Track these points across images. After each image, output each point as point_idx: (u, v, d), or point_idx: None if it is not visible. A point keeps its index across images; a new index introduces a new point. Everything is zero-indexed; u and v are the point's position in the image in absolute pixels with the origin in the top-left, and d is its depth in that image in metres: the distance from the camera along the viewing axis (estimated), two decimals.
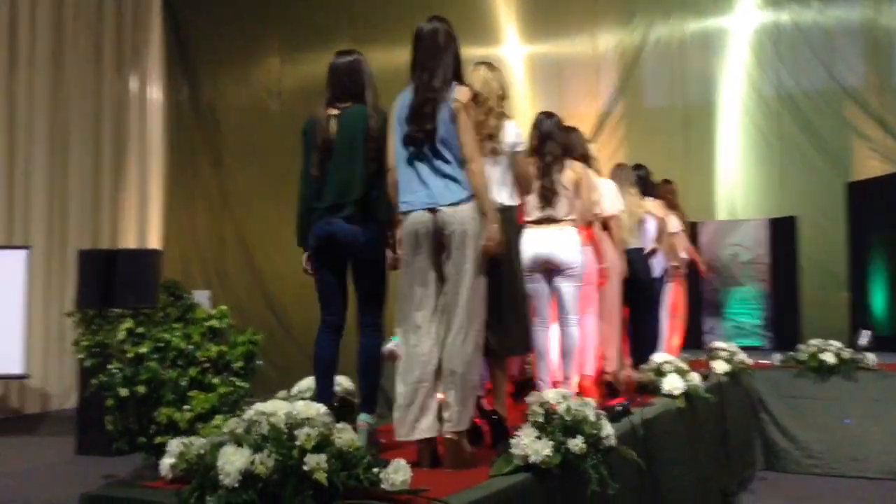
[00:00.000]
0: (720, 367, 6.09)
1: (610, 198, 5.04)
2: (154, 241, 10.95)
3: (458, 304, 2.91)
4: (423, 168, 2.98)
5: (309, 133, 3.36)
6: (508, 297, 3.35)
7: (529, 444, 2.71)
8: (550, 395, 2.97)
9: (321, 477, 2.21)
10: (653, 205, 6.02)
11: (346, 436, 2.34)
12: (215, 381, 5.64)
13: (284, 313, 10.88)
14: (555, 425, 2.87)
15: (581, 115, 11.08)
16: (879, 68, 9.55)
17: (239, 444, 2.29)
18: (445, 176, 2.95)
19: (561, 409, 2.91)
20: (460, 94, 3.01)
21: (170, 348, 5.67)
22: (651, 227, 5.85)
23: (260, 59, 11.51)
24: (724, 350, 6.36)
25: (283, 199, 11.51)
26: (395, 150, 3.07)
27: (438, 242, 2.95)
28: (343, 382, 3.61)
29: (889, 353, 7.30)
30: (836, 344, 6.59)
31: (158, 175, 11.35)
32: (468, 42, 11.50)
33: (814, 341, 6.74)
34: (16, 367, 7.34)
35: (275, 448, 2.25)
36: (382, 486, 2.27)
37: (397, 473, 2.29)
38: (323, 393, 3.27)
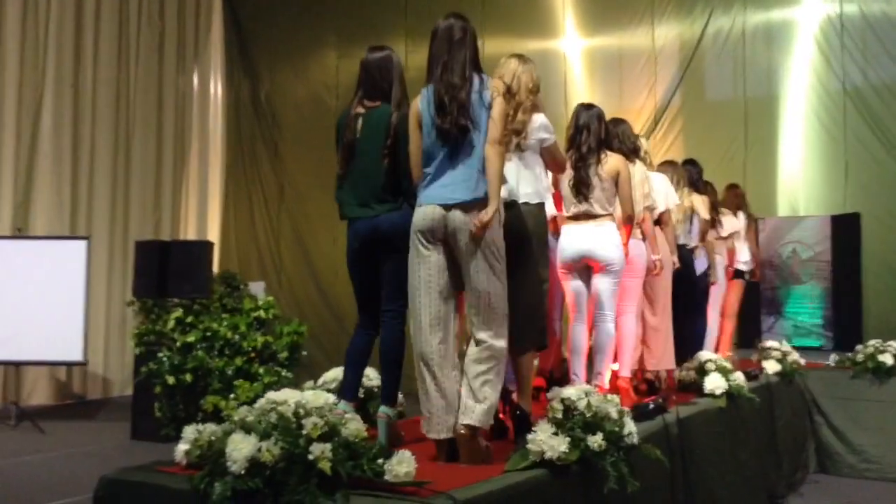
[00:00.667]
0: (771, 366, 5.93)
1: (662, 192, 4.95)
2: (213, 234, 11.19)
3: (479, 302, 2.92)
4: (445, 162, 2.99)
5: (340, 129, 3.40)
6: (528, 294, 3.32)
7: (546, 440, 2.68)
8: (571, 391, 2.93)
9: (325, 466, 2.23)
10: (699, 202, 5.87)
11: (353, 426, 2.35)
12: (261, 370, 5.76)
13: (338, 305, 11.00)
14: (574, 421, 2.83)
15: (640, 109, 10.92)
16: None
17: (247, 431, 2.33)
18: (465, 171, 2.95)
19: (581, 405, 2.86)
20: (493, 85, 3.04)
21: (217, 338, 5.80)
22: (696, 224, 5.71)
23: (317, 53, 11.64)
24: (776, 349, 6.18)
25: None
26: (420, 146, 3.07)
27: (446, 239, 2.96)
28: (371, 374, 3.62)
29: None
30: (895, 345, 6.34)
31: (218, 169, 11.60)
32: (527, 35, 11.50)
33: (872, 342, 6.51)
34: (76, 354, 7.58)
35: (282, 436, 2.28)
36: (386, 477, 2.28)
37: (401, 465, 2.29)
38: (350, 384, 3.29)
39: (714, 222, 6.25)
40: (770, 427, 5.47)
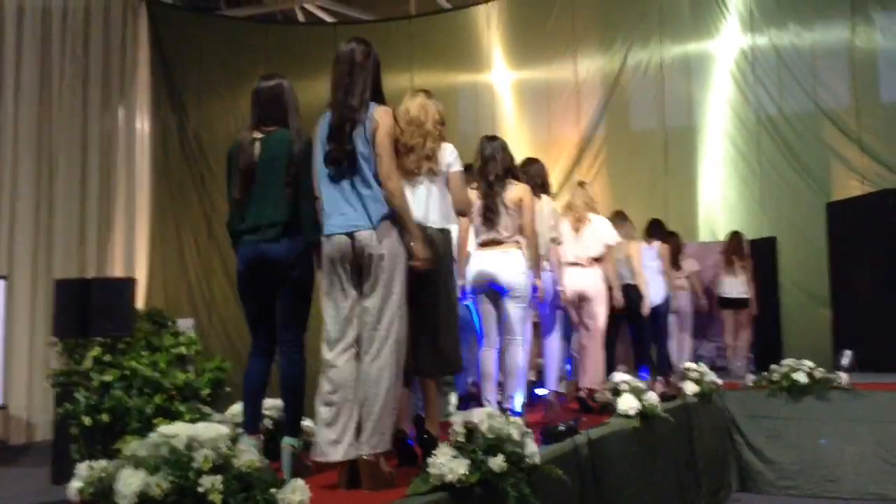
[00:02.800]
0: (689, 387, 6.07)
1: (604, 234, 5.44)
2: (141, 271, 11.00)
3: (377, 327, 2.94)
4: (343, 189, 3.00)
5: (234, 156, 3.35)
6: (440, 318, 3.38)
7: (446, 463, 2.71)
8: (473, 413, 2.97)
9: (217, 499, 2.21)
10: (635, 250, 6.26)
11: (246, 457, 2.35)
12: (182, 408, 5.65)
13: None
14: (476, 444, 2.86)
15: (566, 139, 11.19)
16: (857, 90, 9.58)
17: (138, 466, 2.30)
18: (365, 197, 2.96)
19: (483, 427, 2.91)
20: (378, 112, 3.02)
21: (136, 376, 5.69)
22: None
23: (246, 88, 11.37)
24: (694, 370, 6.33)
25: None
26: (318, 172, 3.08)
27: (357, 265, 2.98)
28: (278, 405, 3.60)
29: (871, 372, 7.27)
30: (809, 363, 6.57)
31: (146, 205, 11.43)
32: (456, 68, 11.65)
33: (787, 361, 6.73)
34: None
35: (172, 470, 2.26)
36: None
37: (294, 494, 2.29)
38: (250, 417, 3.27)
39: (676, 265, 7.74)
40: (689, 447, 5.59)
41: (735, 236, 8.72)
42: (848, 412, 6.32)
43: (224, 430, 2.41)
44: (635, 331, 6.11)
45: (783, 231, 9.20)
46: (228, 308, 11.03)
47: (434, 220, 3.50)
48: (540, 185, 4.99)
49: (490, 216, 4.25)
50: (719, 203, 10.16)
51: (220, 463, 2.32)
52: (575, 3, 10.92)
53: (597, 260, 5.39)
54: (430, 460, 2.74)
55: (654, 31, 10.59)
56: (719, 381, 6.55)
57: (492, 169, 4.31)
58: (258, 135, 3.33)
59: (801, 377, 6.41)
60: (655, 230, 7.46)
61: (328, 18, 12.87)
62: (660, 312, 6.51)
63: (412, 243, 2.99)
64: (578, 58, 10.98)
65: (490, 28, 11.47)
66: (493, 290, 4.27)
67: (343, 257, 2.97)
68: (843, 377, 6.51)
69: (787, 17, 9.93)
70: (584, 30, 10.93)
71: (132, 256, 11.05)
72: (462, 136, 12.03)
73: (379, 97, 3.10)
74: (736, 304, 8.39)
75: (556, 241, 5.03)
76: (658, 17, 10.58)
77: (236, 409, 3.58)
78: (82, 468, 2.51)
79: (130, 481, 2.23)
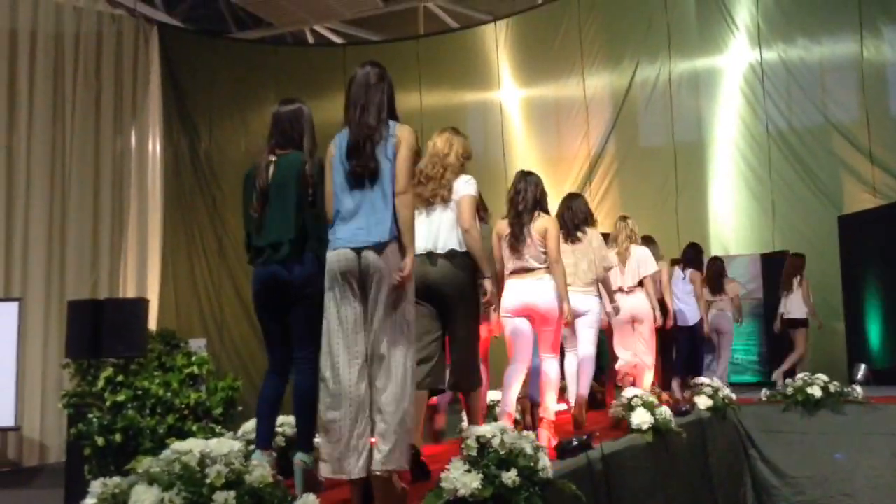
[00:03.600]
0: (703, 402, 6.03)
1: (644, 260, 6.12)
2: (153, 292, 11.05)
3: (386, 344, 2.93)
4: (357, 205, 3.04)
5: (250, 177, 3.44)
6: (472, 336, 3.64)
7: (459, 478, 2.71)
8: (486, 428, 2.96)
9: None
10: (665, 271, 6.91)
11: (258, 473, 2.35)
12: (194, 427, 5.67)
13: None
14: (489, 458, 2.86)
15: (575, 155, 11.21)
16: (867, 103, 9.56)
17: (151, 482, 2.31)
18: (377, 214, 3.00)
19: (496, 442, 2.90)
20: (401, 130, 3.09)
21: (148, 396, 5.71)
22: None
23: (256, 110, 11.72)
24: (707, 385, 6.29)
25: None
26: (333, 190, 3.12)
27: (362, 281, 2.98)
28: (290, 422, 3.61)
29: (886, 385, 7.22)
30: (823, 377, 6.51)
31: (158, 226, 11.49)
32: (464, 87, 11.75)
33: (800, 375, 6.68)
34: (7, 420, 7.37)
35: (185, 486, 2.27)
36: None
37: None
38: (263, 434, 3.28)
39: (720, 289, 7.95)
40: (703, 462, 5.55)
41: (798, 258, 8.51)
42: (863, 425, 6.25)
43: (237, 445, 2.42)
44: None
45: (795, 245, 9.12)
46: (240, 328, 11.07)
47: (453, 244, 3.69)
48: (583, 220, 5.39)
49: (516, 244, 4.44)
50: (730, 218, 10.14)
51: (232, 479, 2.33)
52: (582, 20, 10.96)
53: (639, 284, 6.08)
54: (443, 475, 2.74)
55: (662, 46, 10.61)
56: (733, 396, 6.51)
57: (521, 200, 4.51)
58: (272, 157, 3.42)
59: (816, 391, 6.36)
60: (689, 256, 7.80)
61: (337, 40, 12.99)
62: (694, 333, 7.26)
63: (405, 258, 2.99)
64: (587, 74, 11.02)
65: (498, 47, 11.54)
66: (530, 314, 4.41)
67: (349, 272, 2.97)
68: (858, 390, 6.46)
69: (795, 31, 9.94)
70: (592, 47, 10.96)
71: (144, 278, 11.10)
72: (473, 155, 12.10)
73: (394, 117, 3.17)
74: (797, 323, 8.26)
75: (607, 269, 5.48)
76: (666, 33, 10.60)
77: (249, 426, 3.59)
78: (96, 485, 2.51)
79: (144, 497, 2.25)
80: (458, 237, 3.69)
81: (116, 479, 2.47)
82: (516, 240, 4.43)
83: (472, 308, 3.76)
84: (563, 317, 4.38)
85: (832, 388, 6.38)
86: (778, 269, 9.06)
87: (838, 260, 8.81)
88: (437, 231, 3.69)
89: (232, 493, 2.25)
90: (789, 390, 6.53)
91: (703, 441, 5.63)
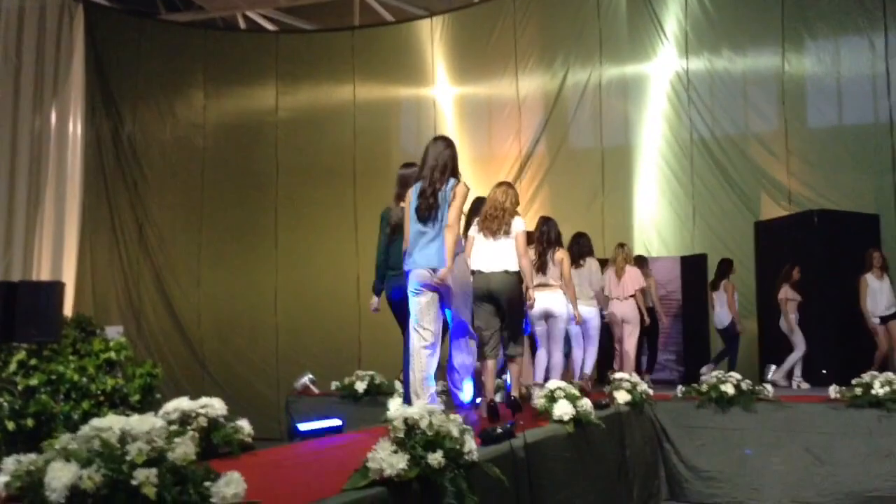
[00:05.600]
0: (621, 397, 6.18)
1: (636, 278, 7.85)
2: (69, 276, 10.68)
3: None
4: (424, 235, 4.49)
5: (385, 219, 5.15)
6: (516, 324, 5.44)
7: (385, 458, 2.71)
8: (413, 410, 2.98)
9: (150, 491, 2.17)
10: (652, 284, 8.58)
11: (180, 450, 2.31)
12: (110, 414, 5.49)
13: (199, 347, 10.72)
14: (416, 440, 2.87)
15: (506, 154, 11.32)
16: (786, 114, 9.94)
17: (69, 459, 2.24)
18: (436, 242, 4.45)
19: (423, 424, 2.92)
20: (457, 185, 4.52)
21: (63, 381, 5.51)
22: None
23: (184, 94, 11.47)
24: (626, 381, 6.45)
25: (203, 233, 11.50)
26: (410, 225, 4.58)
27: (435, 288, 4.48)
28: (217, 405, 3.54)
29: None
30: (737, 375, 6.74)
31: (76, 209, 11.13)
32: (398, 82, 11.75)
33: (714, 373, 6.90)
34: None
35: (104, 463, 2.21)
36: (213, 500, 2.24)
37: (229, 487, 2.26)
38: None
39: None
40: (620, 454, 5.68)
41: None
42: (773, 423, 6.49)
43: (158, 423, 2.37)
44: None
45: (714, 248, 9.45)
46: (158, 317, 10.81)
47: (509, 265, 5.27)
48: (588, 252, 7.44)
49: (542, 268, 6.31)
50: (653, 220, 10.41)
51: (154, 456, 2.28)
52: (517, 21, 11.08)
53: (631, 296, 7.76)
54: (369, 455, 2.74)
55: (593, 51, 10.81)
56: (651, 392, 6.69)
57: (545, 239, 6.47)
58: (402, 204, 4.88)
59: (729, 389, 6.57)
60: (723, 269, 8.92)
61: (270, 27, 12.80)
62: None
63: (444, 268, 4.41)
64: (520, 75, 11.14)
65: (433, 43, 11.56)
66: (546, 317, 6.29)
67: (425, 282, 4.45)
68: (769, 389, 6.71)
69: (721, 42, 10.26)
70: (526, 48, 11.09)
71: (60, 261, 10.75)
72: (403, 150, 12.09)
73: (456, 174, 4.60)
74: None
75: (604, 290, 7.75)
76: (597, 39, 10.81)
77: (170, 406, 3.52)
78: (9, 462, 2.42)
79: (61, 474, 2.18)
80: (513, 259, 5.26)
81: (32, 456, 2.39)
82: (543, 265, 6.29)
83: (518, 308, 5.40)
84: (577, 318, 6.51)
85: (744, 387, 6.61)
86: (696, 271, 9.37)
87: (754, 264, 9.15)
88: (499, 254, 5.27)
89: (153, 471, 2.20)
90: (704, 387, 6.74)
91: (621, 434, 5.77)
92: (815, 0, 9.74)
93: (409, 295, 4.48)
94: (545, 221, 6.58)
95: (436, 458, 2.82)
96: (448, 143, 4.64)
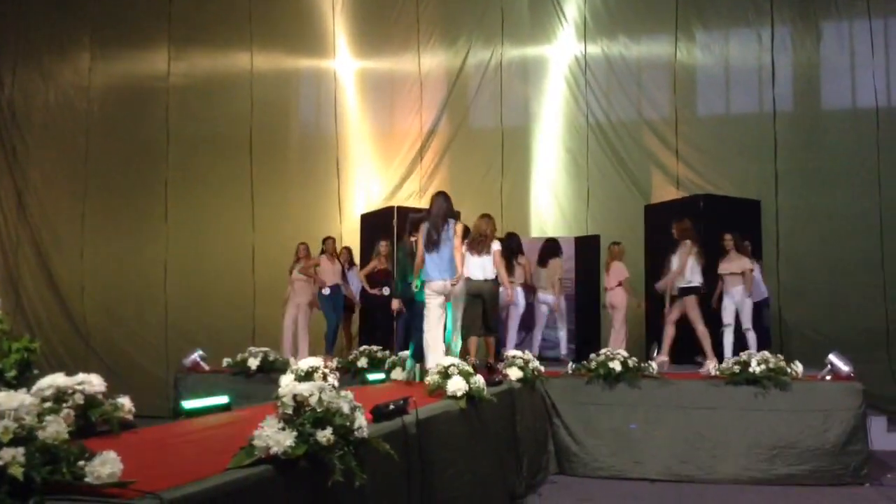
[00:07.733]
0: (514, 373, 6.28)
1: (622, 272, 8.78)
2: None
3: (457, 318, 6.47)
4: (438, 257, 6.26)
5: (402, 250, 7.17)
6: (488, 314, 6.86)
7: (272, 435, 2.64)
8: (304, 387, 2.92)
9: (17, 472, 2.04)
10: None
11: (52, 428, 2.19)
12: None
13: (83, 322, 10.26)
14: (305, 417, 2.82)
15: (407, 131, 11.25)
16: (677, 102, 10.29)
17: None
18: (447, 262, 6.25)
19: (313, 400, 2.87)
20: (455, 225, 6.37)
21: None
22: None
23: (68, 54, 10.88)
24: (519, 358, 6.56)
25: (87, 203, 10.97)
26: (422, 250, 6.34)
27: (448, 293, 6.30)
28: (95, 381, 3.40)
29: (680, 364, 7.83)
30: (623, 353, 6.96)
31: None
32: (298, 53, 11.47)
33: (604, 350, 7.10)
34: None
35: None
36: (87, 479, 2.14)
37: (104, 466, 2.16)
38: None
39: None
40: (511, 430, 5.78)
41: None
42: (657, 398, 6.76)
43: (28, 399, 2.23)
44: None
45: (606, 229, 9.70)
46: (38, 287, 10.29)
47: (489, 274, 6.81)
48: (518, 249, 8.82)
49: (510, 270, 8.02)
50: (550, 201, 10.60)
51: (22, 434, 2.15)
52: None
53: (619, 285, 8.71)
54: (255, 432, 2.67)
55: (495, 32, 10.86)
56: (542, 369, 6.83)
57: (512, 250, 8.39)
58: (409, 239, 6.98)
59: (616, 365, 6.79)
60: None
61: None
62: None
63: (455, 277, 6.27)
64: (422, 51, 11.09)
65: (335, 13, 11.35)
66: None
67: (442, 290, 6.26)
68: (654, 366, 6.97)
69: (617, 29, 10.50)
70: (429, 24, 11.04)
71: None
72: (303, 123, 11.87)
73: (452, 215, 6.46)
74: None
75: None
76: (499, 19, 10.86)
77: (44, 383, 3.34)
78: None
79: None
80: (492, 269, 6.82)
81: None
82: (510, 268, 8.05)
83: (494, 303, 6.98)
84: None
85: (630, 364, 6.84)
86: (590, 251, 9.60)
87: (643, 245, 9.44)
88: (482, 267, 6.81)
89: (20, 450, 2.07)
90: (593, 364, 6.93)
91: (513, 409, 5.87)
92: None
93: (427, 297, 6.29)
94: (510, 237, 8.71)
95: (325, 435, 2.77)
96: (446, 197, 6.52)
